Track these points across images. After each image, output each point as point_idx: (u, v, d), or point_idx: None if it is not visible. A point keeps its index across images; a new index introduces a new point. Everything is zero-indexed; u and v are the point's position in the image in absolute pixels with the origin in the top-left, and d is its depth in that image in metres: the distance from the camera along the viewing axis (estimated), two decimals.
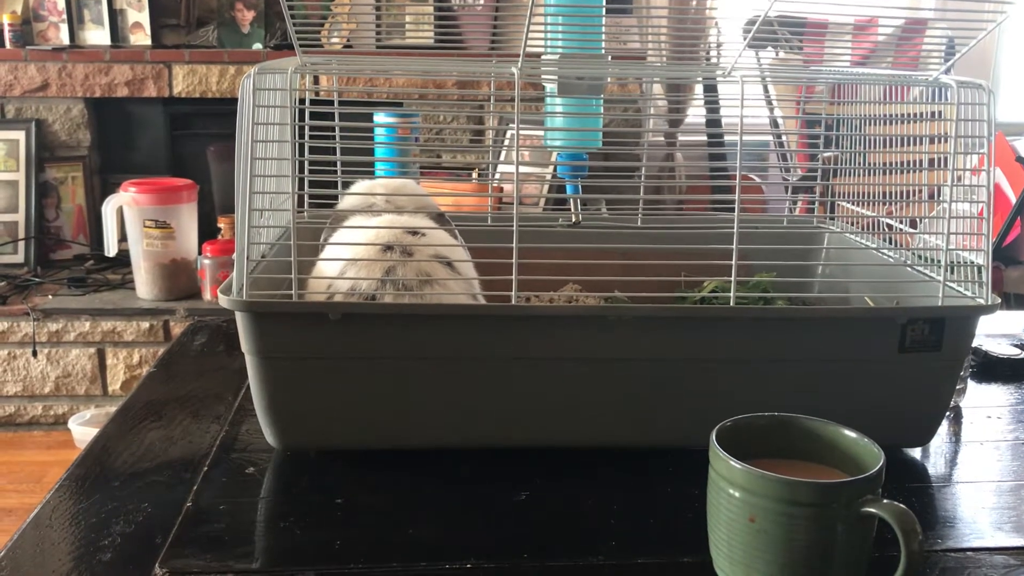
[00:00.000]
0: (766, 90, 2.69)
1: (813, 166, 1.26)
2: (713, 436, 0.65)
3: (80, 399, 2.70)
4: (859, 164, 1.18)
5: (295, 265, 0.83)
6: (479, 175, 2.91)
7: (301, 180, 0.99)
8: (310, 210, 1.18)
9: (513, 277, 0.84)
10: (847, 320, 0.86)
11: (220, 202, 3.14)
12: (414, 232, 0.94)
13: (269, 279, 0.89)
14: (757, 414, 0.69)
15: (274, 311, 0.82)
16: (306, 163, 0.94)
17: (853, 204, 1.22)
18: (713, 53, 3.38)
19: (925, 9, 3.57)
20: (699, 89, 3.32)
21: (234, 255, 0.85)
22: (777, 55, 3.14)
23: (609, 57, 1.16)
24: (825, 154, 1.25)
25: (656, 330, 0.85)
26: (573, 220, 1.22)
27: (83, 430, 2.58)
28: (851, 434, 0.66)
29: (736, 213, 0.88)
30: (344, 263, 0.92)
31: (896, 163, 1.03)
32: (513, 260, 0.83)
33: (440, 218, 1.09)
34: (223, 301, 0.82)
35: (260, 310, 0.81)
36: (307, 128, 0.90)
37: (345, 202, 1.09)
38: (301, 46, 0.94)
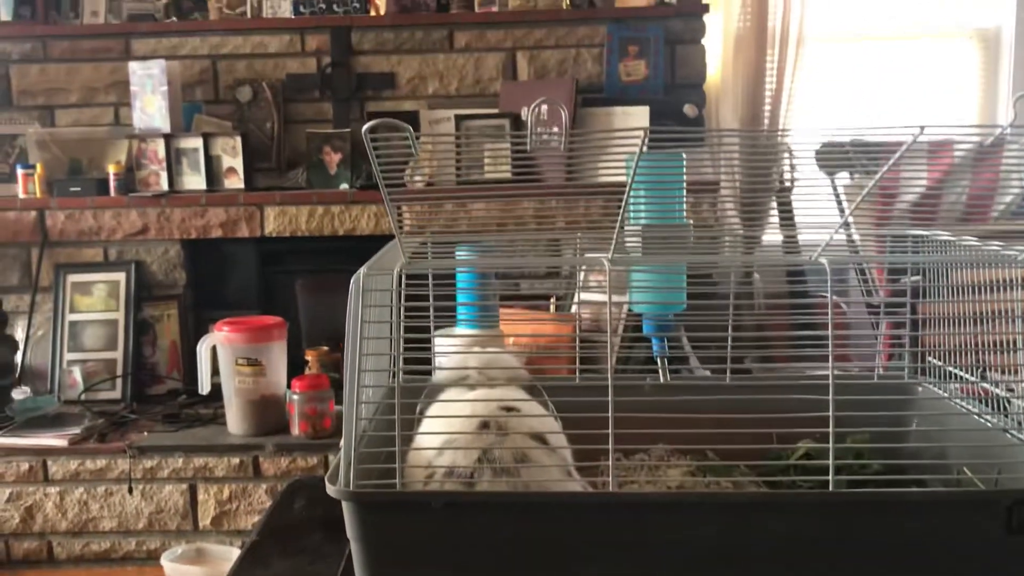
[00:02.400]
0: (849, 235, 2.67)
1: (897, 289, 1.26)
2: None
3: (172, 534, 2.75)
4: (949, 317, 1.17)
5: (399, 456, 0.86)
6: (556, 305, 2.95)
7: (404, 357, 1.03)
8: (407, 376, 1.22)
9: (610, 463, 0.85)
10: (949, 504, 0.85)
11: (307, 334, 3.24)
12: (508, 408, 0.97)
13: (370, 455, 0.92)
14: None
15: (379, 501, 0.85)
16: (401, 355, 0.98)
17: (944, 359, 1.20)
18: (787, 178, 3.40)
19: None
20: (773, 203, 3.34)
21: (341, 443, 0.89)
22: (852, 179, 3.16)
23: (691, 225, 1.20)
24: (912, 279, 1.24)
25: (754, 512, 0.86)
26: (661, 380, 1.24)
27: (175, 567, 2.62)
28: None
29: (831, 380, 0.89)
30: (443, 441, 0.94)
31: (989, 328, 1.02)
32: (609, 447, 0.85)
33: (531, 387, 1.12)
34: (331, 490, 0.85)
35: (366, 500, 0.84)
36: (403, 319, 0.95)
37: (440, 374, 1.12)
38: (387, 187, 0.98)
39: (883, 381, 1.22)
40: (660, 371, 1.23)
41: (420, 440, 0.96)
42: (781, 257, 1.21)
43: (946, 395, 1.14)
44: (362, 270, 0.88)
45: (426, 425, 1.00)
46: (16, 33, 3.26)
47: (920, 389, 1.20)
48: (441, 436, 0.95)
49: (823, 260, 0.88)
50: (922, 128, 0.73)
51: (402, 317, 0.96)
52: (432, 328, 1.00)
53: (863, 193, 0.86)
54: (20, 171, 3.12)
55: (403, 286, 0.93)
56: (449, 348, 1.23)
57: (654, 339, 1.30)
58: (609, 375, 0.90)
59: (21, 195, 3.12)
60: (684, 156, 1.25)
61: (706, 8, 3.23)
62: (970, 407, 1.08)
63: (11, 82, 3.31)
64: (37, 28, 3.26)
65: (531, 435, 0.94)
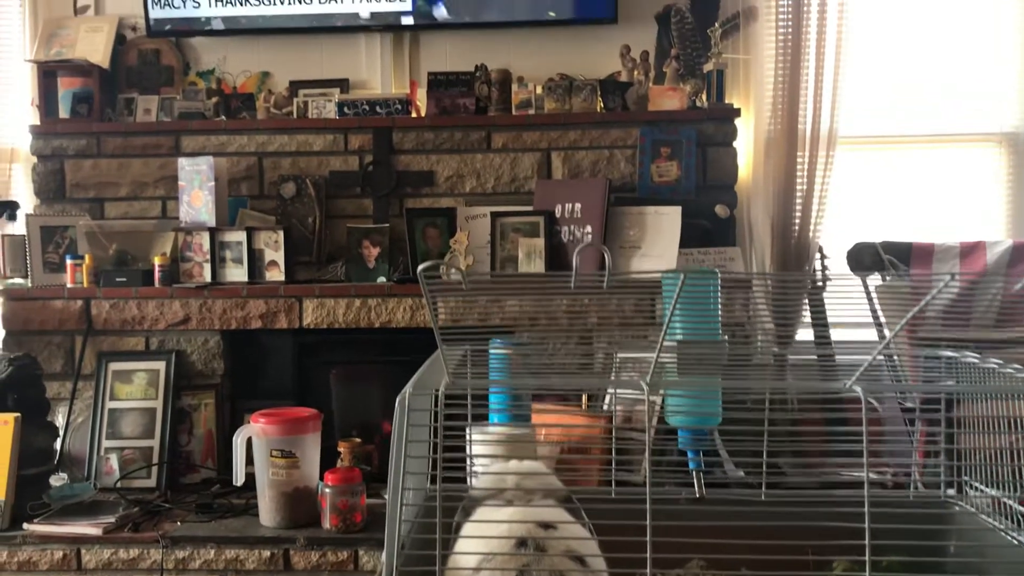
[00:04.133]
0: (878, 323, 2.67)
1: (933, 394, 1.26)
2: None
3: None
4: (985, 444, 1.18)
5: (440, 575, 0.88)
6: (588, 402, 2.96)
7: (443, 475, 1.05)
8: (445, 484, 1.24)
9: None
10: None
11: (340, 425, 3.27)
12: (546, 526, 0.99)
13: (410, 571, 0.94)
14: None
15: None
16: (439, 469, 1.01)
17: (979, 473, 1.20)
18: (818, 277, 3.42)
19: None
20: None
21: (383, 557, 0.91)
22: (884, 280, 3.17)
23: (727, 339, 1.22)
24: (947, 384, 1.25)
25: None
26: (697, 495, 1.25)
27: None
28: None
29: (866, 508, 0.90)
30: (480, 559, 0.96)
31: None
32: (647, 572, 0.86)
33: (568, 500, 1.13)
34: None
35: None
36: (441, 443, 0.97)
37: (477, 486, 1.14)
38: (427, 279, 1.01)
39: (919, 502, 1.22)
40: (696, 486, 1.24)
41: (457, 558, 0.98)
42: (816, 384, 1.22)
43: (983, 516, 1.14)
44: (407, 389, 0.91)
45: (464, 541, 1.01)
46: (73, 130, 3.40)
47: (957, 508, 1.20)
48: (478, 554, 0.96)
49: (857, 388, 0.90)
50: (952, 275, 0.76)
51: (441, 436, 0.99)
52: (469, 447, 1.02)
53: (893, 331, 0.88)
54: (69, 261, 3.22)
55: (442, 406, 0.96)
56: (487, 459, 1.25)
57: (689, 451, 1.31)
58: (647, 496, 0.92)
59: (69, 284, 3.21)
60: (719, 272, 1.28)
61: (737, 112, 3.31)
62: (1008, 531, 1.07)
63: (65, 176, 3.44)
64: (93, 125, 3.40)
65: (568, 554, 0.96)
